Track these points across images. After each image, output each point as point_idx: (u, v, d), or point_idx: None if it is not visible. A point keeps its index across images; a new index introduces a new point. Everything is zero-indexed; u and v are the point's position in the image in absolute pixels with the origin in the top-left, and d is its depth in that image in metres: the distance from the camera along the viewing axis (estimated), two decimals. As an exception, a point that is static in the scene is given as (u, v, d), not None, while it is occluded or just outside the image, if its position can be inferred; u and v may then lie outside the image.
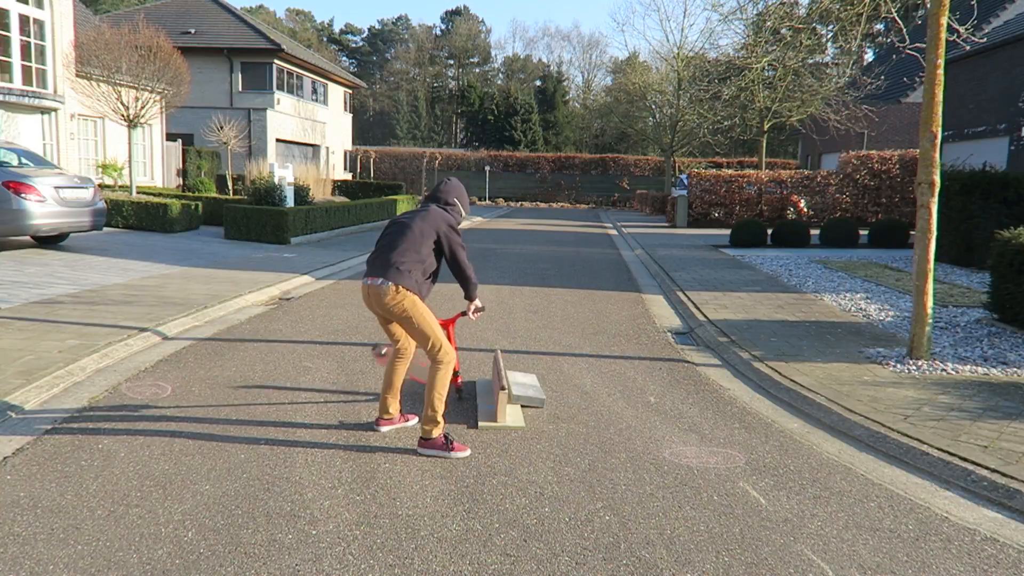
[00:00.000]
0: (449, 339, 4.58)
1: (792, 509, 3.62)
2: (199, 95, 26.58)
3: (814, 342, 6.87)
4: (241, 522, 3.32)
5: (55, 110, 17.05)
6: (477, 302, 4.73)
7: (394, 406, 4.55)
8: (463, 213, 4.62)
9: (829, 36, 20.29)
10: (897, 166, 20.06)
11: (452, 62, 73.88)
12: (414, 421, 4.63)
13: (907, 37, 7.88)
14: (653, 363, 6.44)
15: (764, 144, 23.13)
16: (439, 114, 71.68)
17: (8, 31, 15.69)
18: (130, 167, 16.90)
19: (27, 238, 11.61)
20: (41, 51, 16.67)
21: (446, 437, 4.19)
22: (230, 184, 22.00)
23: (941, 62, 5.95)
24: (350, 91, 39.10)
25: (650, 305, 9.39)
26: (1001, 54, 15.42)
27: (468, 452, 4.20)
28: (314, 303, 8.75)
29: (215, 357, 6.14)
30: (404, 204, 23.26)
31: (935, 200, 6.07)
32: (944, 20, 5.92)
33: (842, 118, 20.86)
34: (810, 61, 22.52)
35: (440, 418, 4.18)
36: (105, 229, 13.80)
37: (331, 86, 35.46)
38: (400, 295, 4.17)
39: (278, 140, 28.34)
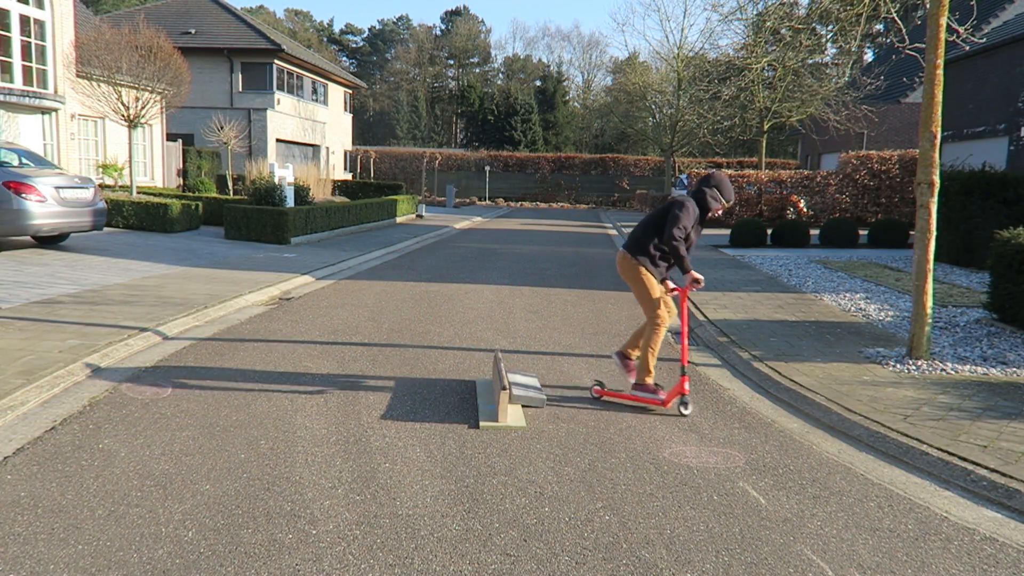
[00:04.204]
0: (681, 306, 5.22)
1: (792, 509, 3.62)
2: (199, 95, 26.58)
3: (814, 342, 6.87)
4: (241, 522, 3.32)
5: (55, 110, 17.06)
6: (693, 273, 5.01)
7: (635, 350, 5.38)
8: (716, 198, 5.11)
9: (829, 36, 20.30)
10: (897, 166, 20.06)
11: (452, 62, 73.90)
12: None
13: (907, 37, 7.88)
14: (653, 363, 6.44)
15: (764, 144, 23.14)
16: (439, 114, 71.69)
17: (9, 31, 15.70)
18: (130, 167, 16.90)
19: (27, 238, 11.61)
20: (42, 51, 16.67)
21: (656, 384, 5.18)
22: (230, 184, 22.00)
23: (941, 62, 5.96)
24: (350, 91, 39.11)
25: (650, 305, 9.38)
26: (1000, 54, 15.42)
27: (668, 406, 5.03)
28: (314, 303, 8.75)
29: (215, 357, 6.15)
30: (404, 204, 23.27)
31: (935, 200, 6.07)
32: (944, 20, 5.92)
33: (842, 118, 20.87)
34: (810, 61, 22.54)
35: (651, 369, 5.16)
36: (105, 229, 13.80)
37: (331, 86, 35.47)
38: (626, 261, 5.17)
39: (278, 140, 28.34)
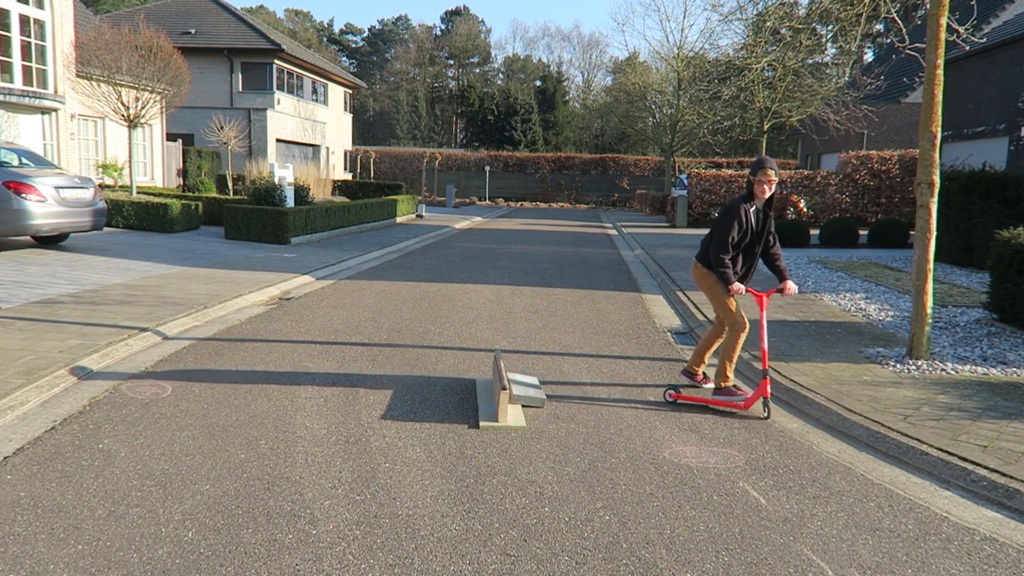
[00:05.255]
0: (760, 311, 5.20)
1: (792, 509, 3.62)
2: (199, 95, 26.58)
3: (814, 342, 6.87)
4: (241, 522, 3.32)
5: (55, 110, 17.05)
6: (734, 287, 5.10)
7: (700, 367, 5.57)
8: (753, 183, 5.09)
9: (829, 36, 20.29)
10: (897, 166, 20.06)
11: (452, 62, 73.87)
12: (709, 386, 5.49)
13: (907, 37, 7.88)
14: (653, 363, 6.45)
15: (764, 144, 23.12)
16: (439, 114, 71.67)
17: (8, 31, 15.69)
18: (130, 167, 16.90)
19: (27, 238, 11.62)
20: (41, 51, 16.67)
21: (735, 387, 5.27)
22: (230, 184, 22.00)
23: (941, 62, 5.96)
24: (350, 91, 39.10)
25: (650, 305, 9.39)
26: (1000, 54, 15.42)
27: (748, 409, 5.02)
28: (314, 303, 8.75)
29: (215, 357, 6.15)
30: (404, 204, 23.26)
31: (935, 200, 6.07)
32: (944, 20, 5.92)
33: (842, 118, 20.87)
34: (810, 61, 22.54)
35: (729, 374, 5.24)
36: (105, 229, 13.80)
37: (331, 86, 35.47)
38: (699, 271, 5.34)
39: (278, 140, 28.34)
